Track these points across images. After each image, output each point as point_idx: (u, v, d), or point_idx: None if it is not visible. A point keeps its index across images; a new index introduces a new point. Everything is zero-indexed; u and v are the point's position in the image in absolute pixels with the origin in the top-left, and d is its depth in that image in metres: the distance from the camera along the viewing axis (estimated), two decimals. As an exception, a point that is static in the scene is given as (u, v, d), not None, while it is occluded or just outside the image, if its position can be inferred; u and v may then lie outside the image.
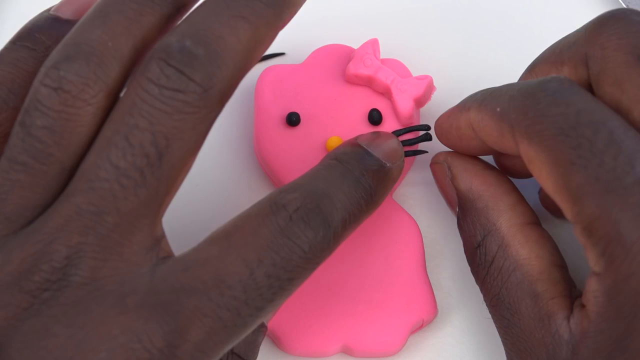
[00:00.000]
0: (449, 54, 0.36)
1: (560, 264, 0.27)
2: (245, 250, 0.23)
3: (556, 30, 0.37)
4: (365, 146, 0.27)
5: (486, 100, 0.27)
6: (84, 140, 0.23)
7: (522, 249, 0.27)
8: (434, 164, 0.30)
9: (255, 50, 0.25)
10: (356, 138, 0.28)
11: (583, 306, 0.25)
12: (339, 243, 0.25)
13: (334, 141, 0.32)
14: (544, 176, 0.25)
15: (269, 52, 0.36)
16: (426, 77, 0.33)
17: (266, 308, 0.23)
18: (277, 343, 0.30)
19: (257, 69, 0.34)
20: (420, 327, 0.31)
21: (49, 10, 0.26)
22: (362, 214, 0.26)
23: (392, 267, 0.31)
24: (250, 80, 0.34)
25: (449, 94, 0.35)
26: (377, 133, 0.28)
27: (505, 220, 0.27)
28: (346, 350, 0.30)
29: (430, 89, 0.33)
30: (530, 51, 0.37)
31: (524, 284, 0.26)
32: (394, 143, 0.28)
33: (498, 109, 0.26)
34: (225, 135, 0.34)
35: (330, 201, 0.24)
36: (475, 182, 0.29)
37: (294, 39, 0.36)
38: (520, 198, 0.28)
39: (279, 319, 0.30)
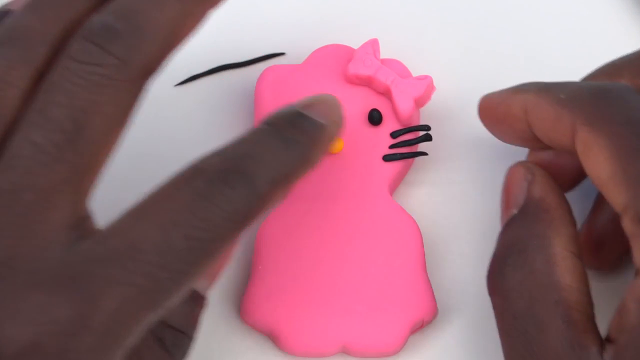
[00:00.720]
0: (449, 54, 0.36)
1: (592, 306, 0.27)
2: (160, 215, 0.23)
3: (556, 30, 0.37)
4: (299, 108, 0.26)
5: (548, 86, 0.28)
6: (10, 121, 0.23)
7: (567, 274, 0.27)
8: (519, 165, 0.30)
9: (182, 25, 0.25)
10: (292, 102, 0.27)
11: (611, 342, 0.25)
12: (267, 202, 0.24)
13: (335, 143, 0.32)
14: (600, 161, 0.25)
15: (269, 52, 0.36)
16: (426, 77, 0.33)
17: (189, 272, 0.23)
18: (277, 343, 0.30)
19: (257, 69, 0.34)
20: (420, 327, 0.31)
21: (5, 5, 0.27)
22: (294, 173, 0.25)
23: (392, 267, 0.31)
24: (250, 80, 0.34)
25: (449, 94, 0.35)
26: (315, 95, 0.28)
27: (562, 242, 0.27)
28: (346, 350, 0.30)
29: (430, 89, 0.33)
30: (530, 51, 0.37)
31: (561, 308, 0.26)
32: (329, 100, 0.27)
33: (562, 96, 0.27)
34: (224, 135, 0.34)
35: (254, 161, 0.24)
36: (551, 196, 0.28)
37: (294, 39, 0.36)
38: (578, 234, 0.29)
39: (278, 319, 0.30)
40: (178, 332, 0.26)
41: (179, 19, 0.24)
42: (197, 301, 0.27)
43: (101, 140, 0.23)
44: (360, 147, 0.32)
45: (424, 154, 0.33)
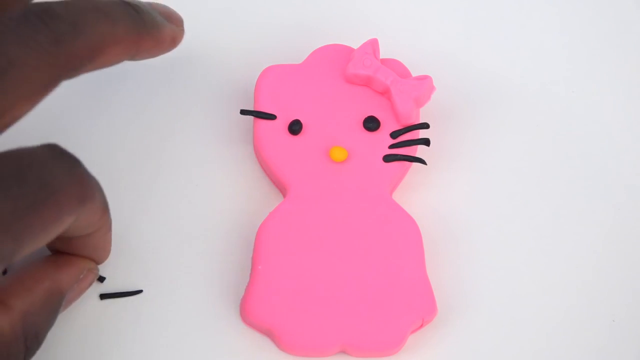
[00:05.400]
0: (449, 54, 0.36)
1: None
2: None
3: (555, 30, 0.37)
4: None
5: None
6: None
7: None
8: None
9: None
10: None
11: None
12: (87, 42, 0.25)
13: (336, 150, 0.32)
14: None
15: (269, 51, 0.36)
16: (426, 77, 0.33)
17: None
18: (277, 343, 0.30)
19: (257, 69, 0.34)
20: (420, 327, 0.31)
21: None
22: (123, 31, 0.26)
23: (392, 267, 0.31)
24: (250, 80, 0.34)
25: (449, 94, 0.35)
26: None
27: None
28: (346, 350, 0.30)
29: (430, 89, 0.33)
30: (530, 51, 0.37)
31: None
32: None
33: None
34: (224, 134, 0.34)
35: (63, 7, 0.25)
36: None
37: (294, 39, 0.36)
38: None
39: (278, 319, 0.30)
40: (37, 345, 0.27)
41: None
42: (53, 322, 0.28)
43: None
44: (360, 147, 0.32)
45: (423, 162, 0.32)
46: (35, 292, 0.27)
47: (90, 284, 0.30)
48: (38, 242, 0.24)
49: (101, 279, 0.31)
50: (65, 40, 0.24)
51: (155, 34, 0.29)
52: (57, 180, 0.24)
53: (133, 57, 0.29)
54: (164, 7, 0.31)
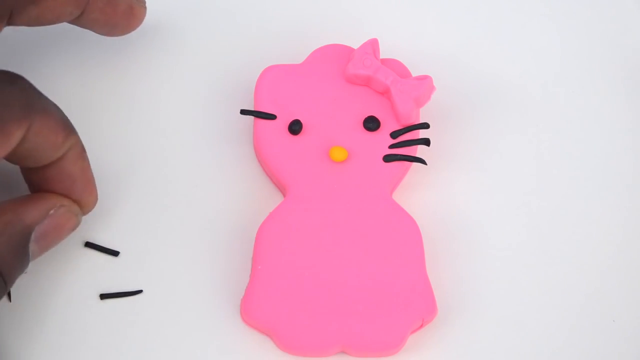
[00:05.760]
0: (449, 54, 0.36)
1: None
2: None
3: (555, 31, 0.37)
4: None
5: None
6: None
7: None
8: None
9: None
10: None
11: None
12: None
13: (336, 150, 0.32)
14: None
15: (268, 50, 0.36)
16: (426, 77, 0.33)
17: None
18: (277, 343, 0.30)
19: (257, 69, 0.34)
20: (420, 327, 0.31)
21: None
22: None
23: (392, 267, 0.31)
24: (250, 79, 0.34)
25: (449, 94, 0.35)
26: None
27: None
28: (346, 350, 0.30)
29: (430, 89, 0.33)
30: (530, 51, 0.37)
31: None
32: None
33: None
34: (224, 134, 0.34)
35: None
36: None
37: (294, 39, 0.36)
38: None
39: (278, 319, 0.30)
40: (1, 278, 0.27)
41: None
42: (22, 258, 0.27)
43: None
44: (360, 147, 0.32)
45: (423, 162, 0.32)
46: None
47: (71, 228, 0.29)
48: None
49: (115, 253, 0.31)
50: None
51: None
52: None
53: (84, 13, 0.28)
54: None
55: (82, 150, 0.29)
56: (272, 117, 0.33)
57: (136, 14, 0.33)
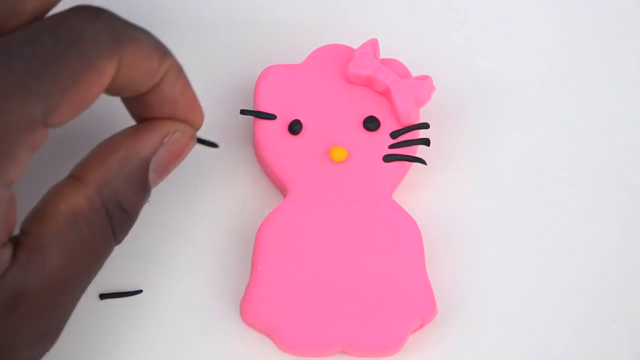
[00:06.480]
0: (449, 54, 0.36)
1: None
2: None
3: (555, 30, 0.37)
4: None
5: None
6: None
7: None
8: None
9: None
10: None
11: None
12: None
13: (336, 150, 0.32)
14: None
15: (269, 50, 0.36)
16: (426, 77, 0.33)
17: None
18: (277, 343, 0.30)
19: (257, 69, 0.34)
20: (420, 327, 0.31)
21: None
22: None
23: (392, 267, 0.31)
24: (250, 79, 0.34)
25: (449, 94, 0.35)
26: None
27: None
28: (346, 350, 0.30)
29: (430, 89, 0.33)
30: (529, 51, 0.37)
31: None
32: None
33: None
34: (224, 134, 0.34)
35: None
36: None
37: (294, 39, 0.36)
38: None
39: (278, 319, 0.30)
40: (125, 214, 0.27)
41: None
42: (143, 190, 0.27)
43: None
44: (360, 147, 0.32)
45: (423, 162, 0.32)
46: (108, 163, 0.27)
47: (188, 148, 0.29)
48: (80, 94, 0.24)
49: (214, 145, 0.31)
50: None
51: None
52: (74, 32, 0.24)
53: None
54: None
55: (179, 69, 0.28)
56: (272, 117, 0.33)
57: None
